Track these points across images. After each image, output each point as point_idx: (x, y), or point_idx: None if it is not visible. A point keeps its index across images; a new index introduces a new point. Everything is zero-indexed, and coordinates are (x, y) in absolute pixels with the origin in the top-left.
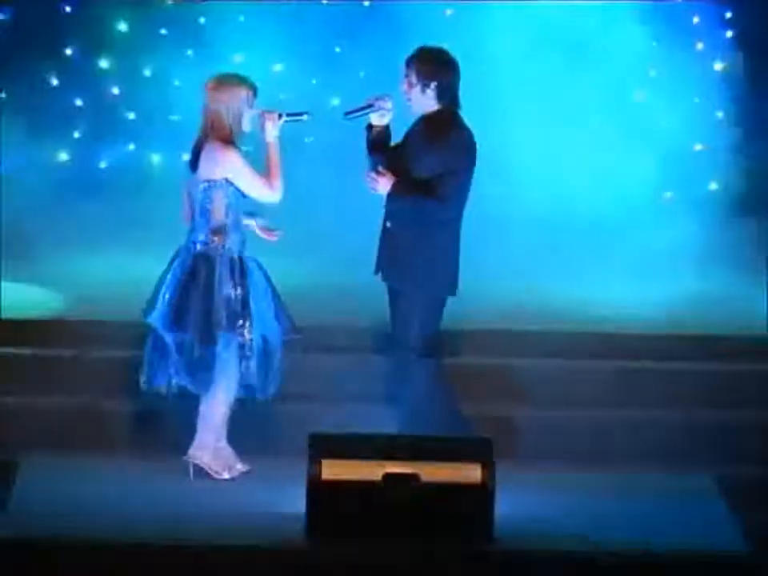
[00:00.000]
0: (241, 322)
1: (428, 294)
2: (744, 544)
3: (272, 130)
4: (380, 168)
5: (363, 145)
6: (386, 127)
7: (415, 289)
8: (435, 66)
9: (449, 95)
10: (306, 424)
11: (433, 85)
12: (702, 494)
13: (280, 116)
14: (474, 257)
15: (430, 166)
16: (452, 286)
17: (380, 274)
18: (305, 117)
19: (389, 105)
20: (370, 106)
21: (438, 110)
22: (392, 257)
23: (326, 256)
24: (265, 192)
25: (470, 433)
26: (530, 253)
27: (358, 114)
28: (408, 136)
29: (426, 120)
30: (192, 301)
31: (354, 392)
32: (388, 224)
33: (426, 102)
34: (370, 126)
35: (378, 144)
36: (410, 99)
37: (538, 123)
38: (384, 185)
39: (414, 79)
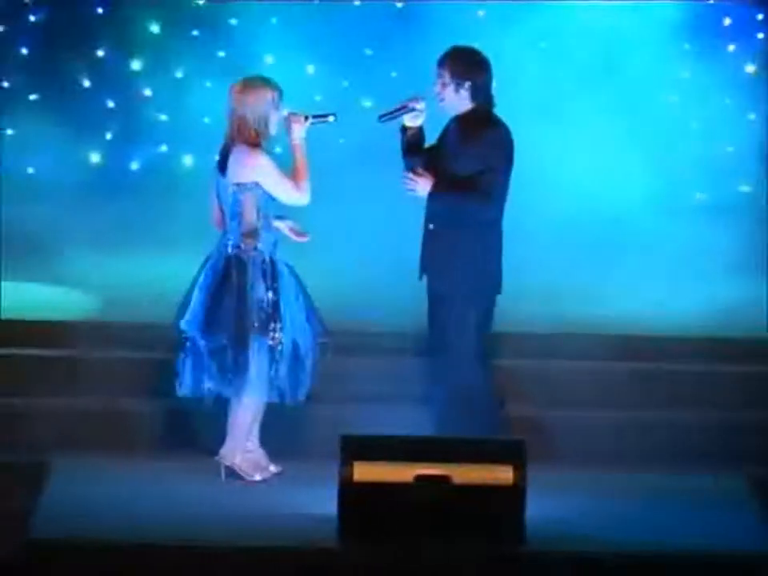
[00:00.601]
0: (272, 325)
1: (473, 294)
2: None
3: (298, 133)
4: (418, 169)
5: (398, 146)
6: (420, 128)
7: (460, 289)
8: (468, 65)
9: (483, 94)
10: (338, 426)
11: (467, 84)
12: (736, 496)
13: (306, 118)
14: None
15: (468, 165)
16: (496, 286)
17: (424, 278)
18: (331, 118)
19: (422, 105)
20: (404, 107)
21: (473, 109)
22: (436, 259)
23: (351, 257)
24: (293, 194)
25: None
26: (555, 254)
27: (393, 116)
28: (443, 136)
29: (461, 119)
30: (225, 304)
31: (386, 394)
32: (430, 226)
33: (460, 101)
34: (404, 128)
35: (413, 146)
36: (443, 100)
37: (567, 124)
38: (423, 185)
39: (447, 79)
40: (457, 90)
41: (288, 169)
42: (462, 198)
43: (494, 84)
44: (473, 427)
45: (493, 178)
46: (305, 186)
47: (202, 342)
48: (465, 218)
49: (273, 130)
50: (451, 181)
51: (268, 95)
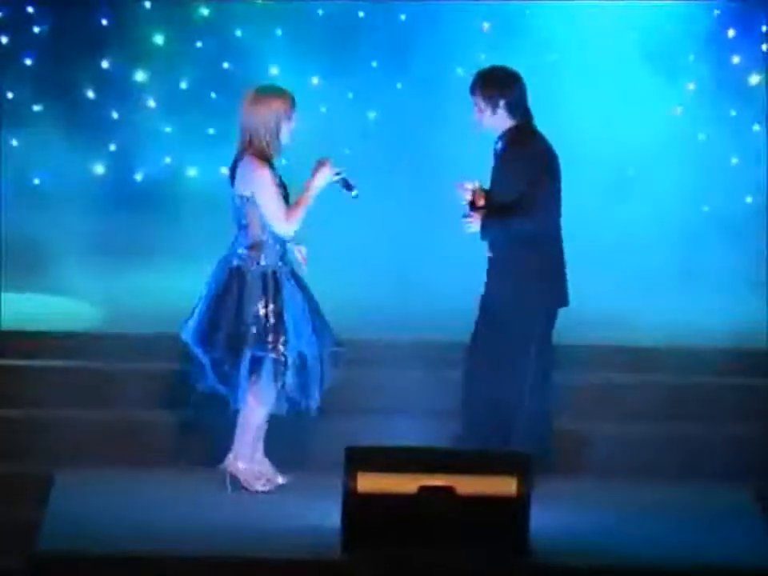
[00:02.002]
0: (273, 337)
1: (540, 309)
2: None
3: (320, 181)
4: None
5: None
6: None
7: (524, 306)
8: (498, 84)
9: (519, 110)
10: (344, 437)
11: (501, 103)
12: (741, 509)
13: (337, 174)
14: None
15: (511, 184)
16: (563, 298)
17: (489, 304)
18: (354, 193)
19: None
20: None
21: (514, 127)
22: (501, 282)
23: (357, 269)
24: (280, 221)
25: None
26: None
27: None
28: (494, 159)
29: (501, 140)
30: (222, 316)
31: (392, 406)
32: (489, 254)
33: (499, 122)
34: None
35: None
36: (483, 125)
37: (573, 136)
38: (476, 221)
39: (482, 105)
40: (494, 112)
41: (291, 179)
42: (509, 220)
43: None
44: (531, 442)
45: (536, 193)
46: (295, 220)
47: (200, 354)
48: (518, 238)
49: (285, 140)
50: (498, 205)
51: (280, 105)
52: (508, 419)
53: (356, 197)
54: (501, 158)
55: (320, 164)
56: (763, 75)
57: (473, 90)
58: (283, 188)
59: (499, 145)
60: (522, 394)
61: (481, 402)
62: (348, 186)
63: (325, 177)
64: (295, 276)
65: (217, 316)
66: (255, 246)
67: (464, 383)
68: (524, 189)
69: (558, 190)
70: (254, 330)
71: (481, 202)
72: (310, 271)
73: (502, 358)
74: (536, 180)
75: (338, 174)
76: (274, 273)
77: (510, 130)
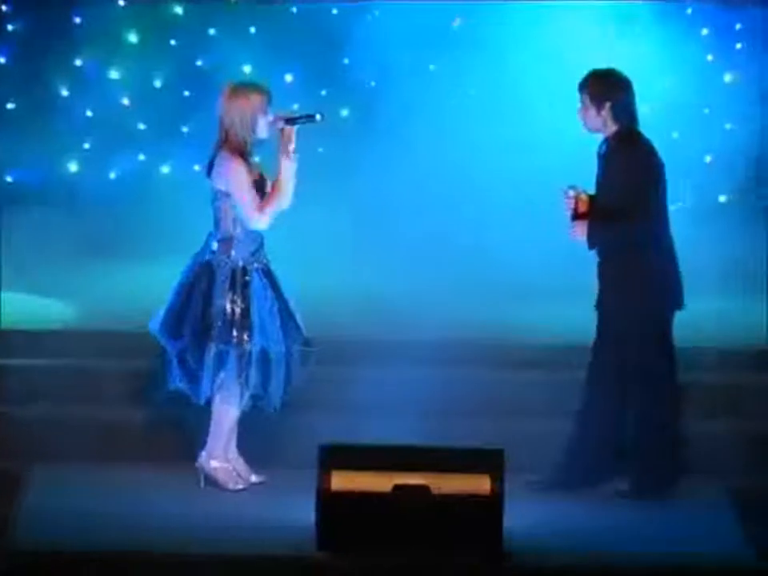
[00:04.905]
0: (237, 332)
1: (649, 312)
2: (756, 557)
3: (287, 144)
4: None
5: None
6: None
7: (637, 311)
8: (606, 86)
9: (624, 114)
10: (317, 435)
11: (607, 105)
12: (716, 506)
13: (287, 121)
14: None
15: (615, 188)
16: (676, 301)
17: (603, 312)
18: (317, 117)
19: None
20: (311, 116)
21: (617, 131)
22: (612, 288)
23: (334, 264)
24: (252, 215)
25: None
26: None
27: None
28: (598, 163)
29: (606, 142)
30: (188, 310)
31: (369, 403)
32: (599, 260)
33: (602, 123)
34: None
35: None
36: (586, 123)
37: (545, 134)
38: (582, 229)
39: (587, 103)
40: (598, 113)
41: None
42: (616, 226)
43: (472, 92)
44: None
45: (639, 198)
46: (269, 212)
47: (167, 346)
48: (625, 243)
49: (262, 134)
50: (603, 212)
51: (256, 99)
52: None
53: (322, 118)
54: (606, 162)
55: (274, 124)
56: (736, 73)
57: (581, 87)
58: (263, 182)
59: (603, 149)
60: (648, 400)
61: (603, 408)
62: (309, 118)
63: (289, 140)
64: (268, 273)
65: (184, 309)
66: (226, 241)
67: (587, 384)
68: (630, 194)
69: (664, 194)
70: (219, 324)
71: (583, 209)
72: (287, 266)
73: (623, 362)
74: (640, 184)
75: (287, 120)
76: (244, 268)
77: (614, 134)
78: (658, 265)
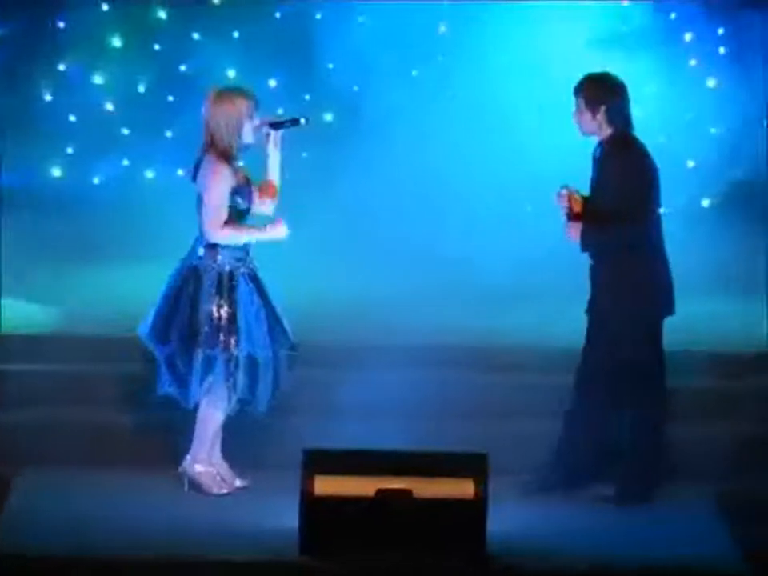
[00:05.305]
0: (224, 338)
1: (641, 315)
2: (742, 560)
3: (274, 150)
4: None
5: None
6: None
7: (628, 314)
8: (600, 90)
9: (619, 118)
10: (302, 438)
11: (602, 109)
12: (702, 508)
13: (272, 125)
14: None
15: (609, 191)
16: (667, 304)
17: (593, 313)
18: (302, 120)
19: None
20: (295, 120)
21: (612, 134)
22: (604, 291)
23: (316, 271)
24: (209, 227)
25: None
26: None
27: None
28: (593, 166)
29: (600, 146)
30: (176, 315)
31: (355, 407)
32: (592, 263)
33: (597, 127)
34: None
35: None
36: (582, 127)
37: (529, 139)
38: (576, 230)
39: (582, 107)
40: (593, 116)
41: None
42: (610, 228)
43: (458, 95)
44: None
45: (630, 201)
46: (227, 235)
47: (155, 350)
48: (617, 246)
49: (248, 139)
50: (597, 213)
51: (242, 104)
52: (625, 432)
53: (307, 122)
54: (600, 165)
55: (260, 130)
56: (720, 78)
57: (577, 90)
58: (248, 186)
59: (598, 152)
60: (638, 404)
61: (592, 411)
62: (294, 122)
63: (275, 144)
64: (255, 278)
65: (172, 314)
66: (213, 246)
67: (576, 387)
68: (625, 197)
69: (658, 198)
70: (206, 329)
71: (577, 209)
72: (273, 272)
73: (614, 365)
74: (634, 189)
75: (272, 125)
76: (231, 273)
77: (609, 137)
78: (651, 268)
